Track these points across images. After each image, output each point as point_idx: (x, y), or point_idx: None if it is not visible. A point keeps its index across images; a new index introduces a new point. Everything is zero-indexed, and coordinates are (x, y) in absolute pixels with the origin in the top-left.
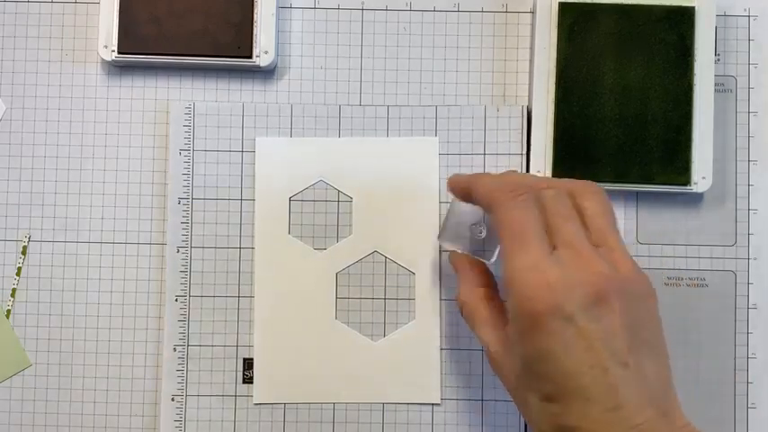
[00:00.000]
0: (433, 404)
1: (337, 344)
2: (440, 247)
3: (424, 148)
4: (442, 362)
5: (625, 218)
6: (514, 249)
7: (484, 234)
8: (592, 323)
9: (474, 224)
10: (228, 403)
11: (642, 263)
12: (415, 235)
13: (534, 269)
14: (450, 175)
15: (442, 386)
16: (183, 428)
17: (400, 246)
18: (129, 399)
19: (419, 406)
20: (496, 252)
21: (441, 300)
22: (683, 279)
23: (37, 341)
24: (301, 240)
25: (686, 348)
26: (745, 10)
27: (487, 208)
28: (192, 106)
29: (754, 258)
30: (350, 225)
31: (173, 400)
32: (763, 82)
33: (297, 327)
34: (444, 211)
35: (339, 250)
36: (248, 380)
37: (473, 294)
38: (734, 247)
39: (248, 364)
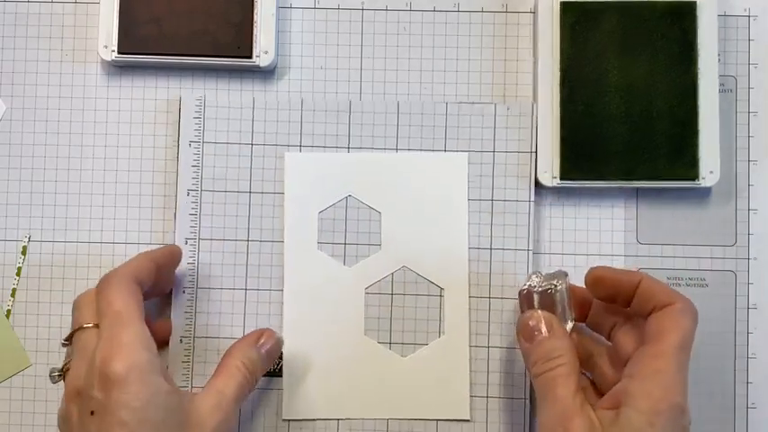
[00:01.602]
0: (462, 420)
1: (366, 360)
2: (469, 262)
3: (454, 163)
4: (471, 378)
5: (625, 217)
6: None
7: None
8: None
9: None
10: None
11: (642, 263)
12: (444, 250)
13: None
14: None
15: (471, 402)
16: None
17: (429, 261)
18: None
19: (448, 422)
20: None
21: (469, 316)
22: (682, 279)
23: (37, 341)
24: (330, 255)
25: None
26: (745, 10)
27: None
28: (202, 98)
29: (754, 258)
30: (379, 240)
31: None
32: (763, 82)
33: (325, 342)
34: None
35: (368, 266)
36: None
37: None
38: (734, 247)
39: None
